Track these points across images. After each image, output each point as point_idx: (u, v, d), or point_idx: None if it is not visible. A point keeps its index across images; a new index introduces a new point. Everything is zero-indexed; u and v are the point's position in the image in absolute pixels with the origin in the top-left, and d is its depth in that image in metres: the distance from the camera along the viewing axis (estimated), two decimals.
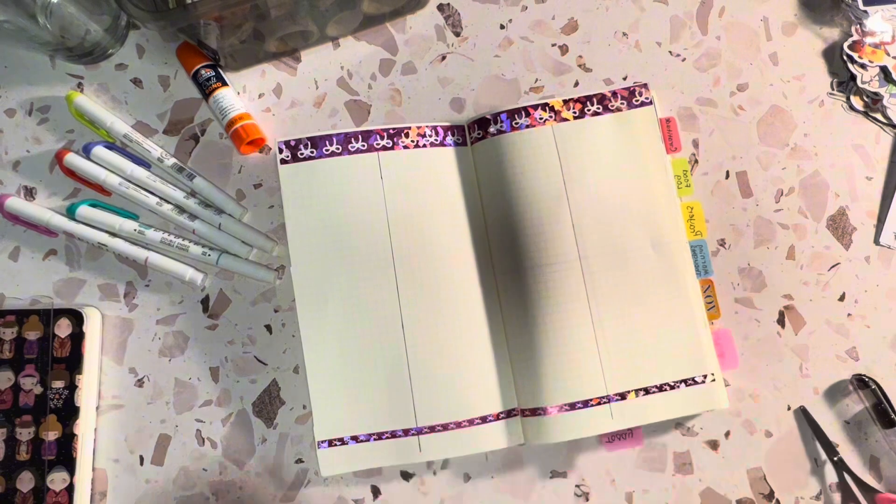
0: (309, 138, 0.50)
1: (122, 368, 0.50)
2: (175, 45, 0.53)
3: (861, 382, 0.49)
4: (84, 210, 0.50)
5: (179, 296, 0.50)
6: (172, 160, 0.51)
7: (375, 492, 0.48)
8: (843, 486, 0.47)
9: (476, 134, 0.51)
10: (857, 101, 0.52)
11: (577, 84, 0.53)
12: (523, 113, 0.50)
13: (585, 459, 0.49)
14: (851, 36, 0.53)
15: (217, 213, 0.50)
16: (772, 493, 0.48)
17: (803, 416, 0.48)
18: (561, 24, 0.54)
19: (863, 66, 0.52)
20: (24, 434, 0.47)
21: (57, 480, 0.46)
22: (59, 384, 0.47)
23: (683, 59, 0.53)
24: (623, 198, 0.49)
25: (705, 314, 0.48)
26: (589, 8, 0.54)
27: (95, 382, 0.49)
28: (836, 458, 0.47)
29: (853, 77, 0.52)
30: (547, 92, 0.53)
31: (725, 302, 0.50)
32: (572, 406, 0.46)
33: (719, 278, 0.50)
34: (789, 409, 0.49)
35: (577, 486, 0.48)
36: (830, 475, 0.48)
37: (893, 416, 0.47)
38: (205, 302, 0.50)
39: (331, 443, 0.47)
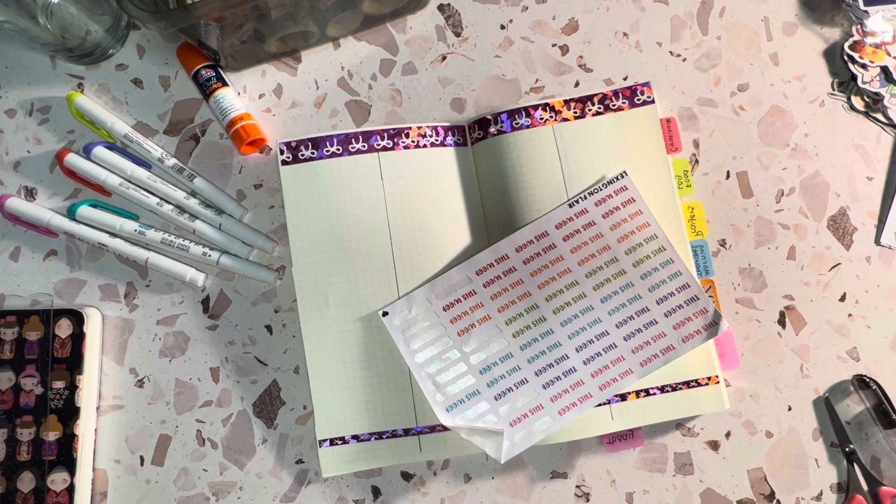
0: (310, 139, 0.50)
1: (123, 369, 0.50)
2: (175, 45, 0.53)
3: (862, 383, 0.49)
4: (84, 210, 0.50)
5: (180, 296, 0.50)
6: (173, 160, 0.51)
7: (376, 492, 0.48)
8: (850, 477, 0.47)
9: (476, 134, 0.51)
10: (857, 102, 0.52)
11: (577, 84, 0.53)
12: (524, 113, 0.50)
13: (586, 460, 0.49)
14: (852, 36, 0.53)
15: (217, 213, 0.50)
16: (772, 493, 0.48)
17: (825, 405, 0.48)
18: (561, 25, 0.54)
19: (863, 66, 0.52)
20: (25, 434, 0.47)
21: (57, 481, 0.46)
22: (59, 384, 0.47)
23: (684, 60, 0.53)
24: None
25: None
26: (589, 8, 0.54)
27: (96, 383, 0.49)
28: (848, 449, 0.47)
29: (854, 77, 0.52)
30: (547, 92, 0.53)
31: (726, 302, 0.50)
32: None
33: (720, 278, 0.50)
34: (790, 409, 0.49)
35: (578, 486, 0.48)
36: (831, 475, 0.48)
37: (894, 416, 0.47)
38: (205, 302, 0.50)
39: (332, 442, 0.47)
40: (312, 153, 0.50)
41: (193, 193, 0.51)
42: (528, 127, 0.50)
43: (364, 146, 0.50)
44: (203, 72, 0.51)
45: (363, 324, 0.48)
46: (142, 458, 0.49)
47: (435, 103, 0.53)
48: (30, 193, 0.52)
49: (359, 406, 0.47)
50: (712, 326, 0.47)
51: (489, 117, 0.51)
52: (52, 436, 0.47)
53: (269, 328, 0.50)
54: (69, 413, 0.47)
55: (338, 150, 0.50)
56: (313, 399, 0.47)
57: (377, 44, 0.54)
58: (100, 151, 0.50)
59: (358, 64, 0.54)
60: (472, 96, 0.53)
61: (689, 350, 0.47)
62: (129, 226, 0.50)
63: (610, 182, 0.49)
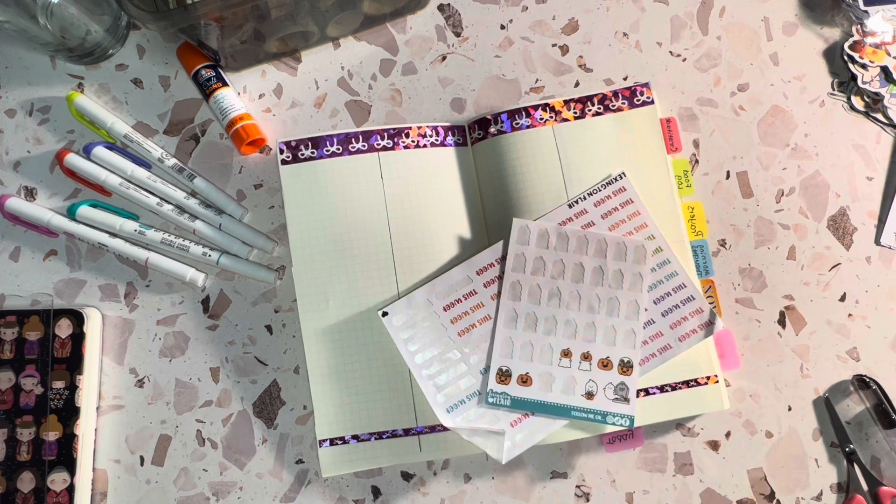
0: (310, 139, 0.50)
1: (123, 369, 0.50)
2: (175, 45, 0.53)
3: (862, 383, 0.49)
4: (84, 210, 0.50)
5: (180, 296, 0.50)
6: (173, 160, 0.51)
7: (376, 492, 0.48)
8: (850, 477, 0.47)
9: (476, 134, 0.51)
10: (857, 102, 0.52)
11: (577, 84, 0.53)
12: (524, 113, 0.50)
13: (586, 460, 0.49)
14: (852, 36, 0.53)
15: (217, 213, 0.50)
16: (772, 493, 0.48)
17: (825, 405, 0.48)
18: (561, 25, 0.54)
19: (863, 66, 0.52)
20: (25, 434, 0.47)
21: (57, 481, 0.46)
22: (59, 384, 0.47)
23: (684, 60, 0.53)
24: None
25: None
26: (589, 8, 0.54)
27: (96, 383, 0.49)
28: (848, 449, 0.47)
29: (854, 77, 0.52)
30: (547, 92, 0.53)
31: (726, 302, 0.50)
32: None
33: (720, 278, 0.50)
34: (790, 409, 0.49)
35: (578, 486, 0.48)
36: (831, 475, 0.48)
37: (894, 416, 0.47)
38: (205, 302, 0.50)
39: (332, 442, 0.47)
40: (312, 153, 0.50)
41: (193, 193, 0.51)
42: (528, 127, 0.50)
43: (364, 146, 0.50)
44: (203, 72, 0.51)
45: (363, 324, 0.48)
46: (142, 458, 0.49)
47: (435, 103, 0.53)
48: (30, 193, 0.52)
49: (359, 406, 0.47)
50: (708, 325, 0.47)
51: (489, 117, 0.51)
52: (52, 436, 0.47)
53: (269, 328, 0.50)
54: (69, 413, 0.47)
55: (338, 149, 0.50)
56: (313, 399, 0.47)
57: (377, 44, 0.54)
58: (100, 151, 0.50)
59: (358, 64, 0.54)
60: (472, 96, 0.53)
61: (686, 349, 0.47)
62: (129, 226, 0.50)
63: (609, 183, 0.49)
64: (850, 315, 0.50)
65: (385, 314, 0.47)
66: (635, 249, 0.48)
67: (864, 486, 0.47)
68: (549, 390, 0.46)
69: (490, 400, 0.46)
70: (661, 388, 0.47)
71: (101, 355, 0.50)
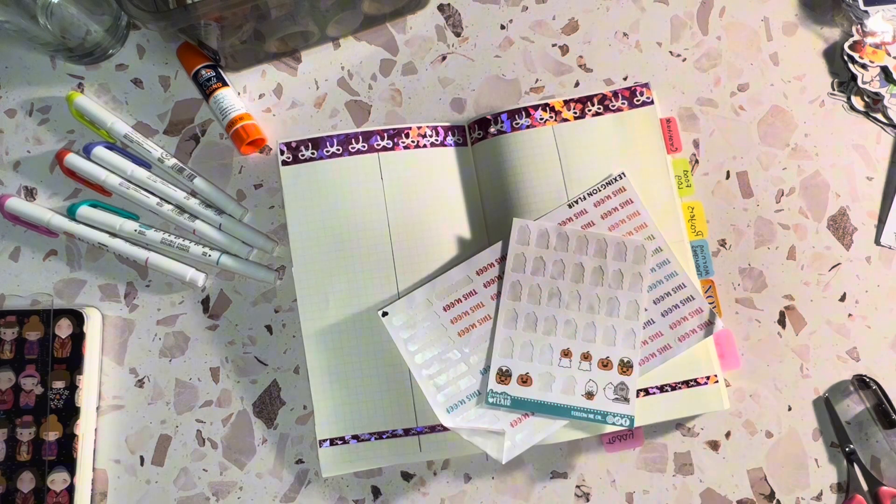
0: (310, 139, 0.50)
1: (123, 369, 0.50)
2: (175, 45, 0.53)
3: (862, 383, 0.49)
4: (84, 210, 0.50)
5: (180, 296, 0.50)
6: (173, 160, 0.51)
7: (376, 492, 0.48)
8: (850, 477, 0.47)
9: (476, 134, 0.51)
10: (857, 102, 0.52)
11: (577, 84, 0.53)
12: (524, 113, 0.50)
13: (586, 460, 0.49)
14: (852, 36, 0.53)
15: (217, 213, 0.50)
16: (772, 493, 0.48)
17: (825, 405, 0.48)
18: (561, 25, 0.54)
19: (863, 66, 0.52)
20: (25, 434, 0.47)
21: (57, 481, 0.46)
22: (59, 384, 0.47)
23: (684, 60, 0.53)
24: None
25: None
26: (589, 8, 0.54)
27: (96, 383, 0.49)
28: (848, 449, 0.47)
29: (854, 77, 0.52)
30: (547, 92, 0.53)
31: (726, 302, 0.50)
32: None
33: (720, 278, 0.50)
34: (790, 409, 0.49)
35: (578, 486, 0.48)
36: (831, 475, 0.48)
37: (894, 416, 0.47)
38: (205, 302, 0.51)
39: (332, 442, 0.47)
40: (312, 153, 0.50)
41: (193, 193, 0.51)
42: (528, 127, 0.50)
43: (364, 146, 0.50)
44: (203, 72, 0.51)
45: (363, 324, 0.48)
46: (142, 458, 0.49)
47: (435, 103, 0.53)
48: (30, 193, 0.52)
49: (359, 406, 0.47)
50: (708, 325, 0.47)
51: (489, 117, 0.51)
52: (52, 436, 0.47)
53: (269, 328, 0.50)
54: (69, 413, 0.47)
55: (338, 150, 0.50)
56: (313, 399, 0.47)
57: (377, 44, 0.54)
58: (100, 151, 0.50)
59: (358, 64, 0.54)
60: (472, 96, 0.53)
61: (686, 349, 0.47)
62: (129, 226, 0.50)
63: (609, 183, 0.49)
64: (850, 315, 0.50)
65: (385, 314, 0.47)
66: (635, 249, 0.48)
67: (864, 486, 0.47)
68: (549, 390, 0.46)
69: (490, 400, 0.46)
70: (661, 388, 0.47)
71: (101, 355, 0.50)
